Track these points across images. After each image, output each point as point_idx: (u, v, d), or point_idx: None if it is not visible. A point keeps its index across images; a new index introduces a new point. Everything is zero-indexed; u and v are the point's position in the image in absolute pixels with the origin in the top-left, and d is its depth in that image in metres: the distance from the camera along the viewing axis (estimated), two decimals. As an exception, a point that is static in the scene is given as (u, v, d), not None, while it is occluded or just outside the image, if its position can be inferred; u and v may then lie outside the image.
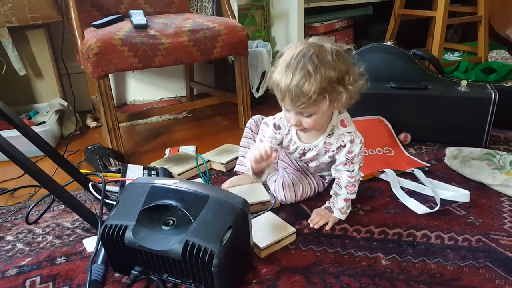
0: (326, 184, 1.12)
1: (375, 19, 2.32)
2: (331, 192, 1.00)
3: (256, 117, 1.19)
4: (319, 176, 1.11)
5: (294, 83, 0.80)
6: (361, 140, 0.94)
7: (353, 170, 0.95)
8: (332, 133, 0.94)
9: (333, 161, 0.99)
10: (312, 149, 0.98)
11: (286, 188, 1.04)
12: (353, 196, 0.98)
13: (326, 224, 0.97)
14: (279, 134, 1.00)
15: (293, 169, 1.11)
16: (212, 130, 1.68)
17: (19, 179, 1.29)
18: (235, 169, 1.21)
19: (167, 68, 1.99)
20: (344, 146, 0.94)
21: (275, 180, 1.07)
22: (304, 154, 1.00)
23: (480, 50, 1.97)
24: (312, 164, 1.04)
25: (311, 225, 0.97)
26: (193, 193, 0.77)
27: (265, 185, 1.11)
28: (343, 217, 0.98)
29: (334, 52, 0.83)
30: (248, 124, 1.20)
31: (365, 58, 1.54)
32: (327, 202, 1.02)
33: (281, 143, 1.02)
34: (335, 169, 0.99)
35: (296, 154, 1.02)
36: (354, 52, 1.15)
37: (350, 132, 0.93)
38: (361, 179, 1.16)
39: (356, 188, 0.97)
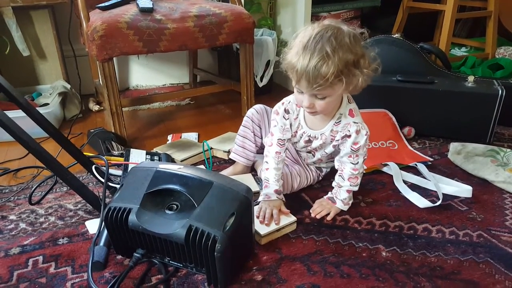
0: (321, 177, 1.12)
1: (383, 11, 2.29)
2: (334, 184, 1.00)
3: (258, 106, 1.14)
4: (316, 167, 1.11)
5: (312, 65, 0.78)
6: (367, 132, 0.93)
7: (357, 163, 0.95)
8: (340, 121, 0.94)
9: (335, 152, 0.99)
10: (318, 138, 0.97)
11: (284, 179, 1.02)
12: (356, 188, 0.98)
13: (327, 214, 0.97)
14: (288, 119, 0.98)
15: (290, 160, 1.10)
16: (214, 118, 1.68)
17: (21, 159, 1.29)
18: (229, 156, 1.20)
19: (171, 54, 1.98)
20: (350, 136, 0.93)
21: None
22: (310, 141, 0.99)
23: (488, 46, 1.95)
24: (316, 156, 1.04)
25: (312, 215, 0.98)
26: (198, 179, 0.77)
27: (254, 176, 1.11)
28: (346, 208, 0.99)
29: (352, 35, 0.82)
30: (249, 114, 1.15)
31: (372, 50, 1.52)
32: (330, 192, 1.02)
33: (289, 139, 1.01)
34: (339, 161, 0.98)
35: (301, 142, 1.00)
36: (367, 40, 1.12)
37: (357, 123, 0.93)
38: (364, 171, 1.16)
39: (359, 181, 0.97)
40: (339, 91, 0.84)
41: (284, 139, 0.99)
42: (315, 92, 0.83)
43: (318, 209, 0.98)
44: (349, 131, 0.93)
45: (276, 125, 0.99)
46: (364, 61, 0.84)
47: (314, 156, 1.05)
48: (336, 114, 0.94)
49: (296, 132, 0.99)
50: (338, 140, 0.95)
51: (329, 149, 0.99)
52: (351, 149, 0.93)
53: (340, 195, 0.98)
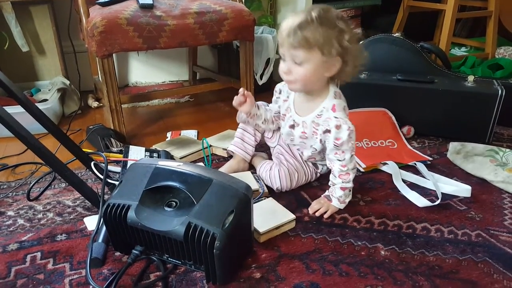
0: (319, 174, 1.12)
1: (383, 10, 2.30)
2: (330, 183, 1.00)
3: (260, 103, 1.16)
4: (312, 164, 1.11)
5: (295, 23, 0.86)
6: (349, 127, 0.92)
7: (344, 159, 0.95)
8: (322, 114, 0.96)
9: (324, 149, 1.00)
10: (300, 124, 1.01)
11: (282, 176, 1.04)
12: (349, 185, 0.97)
13: (326, 212, 0.97)
14: (279, 98, 1.08)
15: (289, 155, 1.11)
16: (214, 116, 1.67)
17: (20, 155, 1.29)
18: (227, 148, 1.20)
19: (170, 51, 1.97)
20: (330, 131, 0.94)
21: (270, 168, 1.07)
22: (293, 127, 1.03)
23: (488, 46, 1.95)
24: (306, 153, 1.05)
25: (310, 212, 0.98)
26: (197, 176, 0.77)
27: (253, 173, 1.11)
28: (342, 206, 0.98)
29: (339, 14, 0.90)
30: None
31: (372, 49, 1.52)
32: (327, 191, 1.02)
33: (277, 116, 1.11)
34: (328, 159, 0.99)
35: (286, 127, 1.05)
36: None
37: (337, 118, 0.93)
38: (363, 170, 1.17)
39: (351, 177, 0.97)
40: (316, 60, 0.87)
41: (277, 113, 1.10)
42: (294, 53, 0.87)
43: (316, 206, 0.98)
44: (328, 125, 0.94)
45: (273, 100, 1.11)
46: (348, 37, 0.88)
47: (303, 154, 1.07)
48: (320, 106, 0.97)
49: (285, 115, 1.06)
50: (320, 134, 0.97)
51: (317, 145, 1.01)
52: (334, 144, 0.94)
53: (335, 193, 0.98)
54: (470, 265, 0.80)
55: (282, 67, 0.93)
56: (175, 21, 1.32)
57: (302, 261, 0.82)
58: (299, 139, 1.04)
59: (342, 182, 0.97)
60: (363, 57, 0.93)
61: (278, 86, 1.10)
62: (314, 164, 1.11)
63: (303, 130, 1.01)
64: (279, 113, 1.10)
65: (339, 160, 0.95)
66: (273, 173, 1.05)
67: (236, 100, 1.05)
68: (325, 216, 0.96)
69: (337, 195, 0.98)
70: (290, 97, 1.04)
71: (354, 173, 0.97)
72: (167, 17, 1.32)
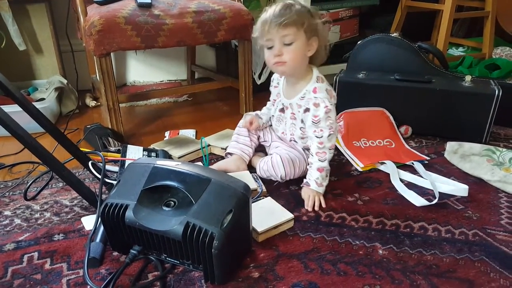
0: None
1: (381, 10, 2.30)
2: (308, 166, 1.04)
3: (260, 112, 1.23)
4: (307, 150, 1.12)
5: (277, 9, 0.95)
6: (326, 106, 0.99)
7: (322, 137, 1.00)
8: (304, 96, 1.03)
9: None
10: (288, 107, 1.09)
11: (285, 161, 1.05)
12: (325, 165, 1.01)
13: (321, 207, 1.00)
14: (273, 87, 1.16)
15: (286, 145, 1.14)
16: (212, 115, 1.67)
17: (17, 155, 1.28)
18: (226, 150, 1.21)
19: (169, 50, 1.97)
20: (309, 110, 1.01)
21: (271, 158, 1.08)
22: (283, 110, 1.11)
23: (485, 46, 1.96)
24: (297, 134, 1.09)
25: (309, 209, 0.99)
26: (195, 176, 0.77)
27: (252, 173, 1.11)
28: (320, 190, 1.01)
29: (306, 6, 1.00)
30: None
31: (370, 48, 1.53)
32: (304, 178, 1.05)
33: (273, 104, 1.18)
34: (308, 137, 1.05)
35: (277, 112, 1.13)
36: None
37: (316, 97, 1.00)
38: (361, 169, 1.17)
39: (327, 156, 1.01)
40: (302, 38, 0.95)
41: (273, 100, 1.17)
42: (284, 32, 0.94)
43: (310, 203, 1.00)
44: (308, 103, 1.01)
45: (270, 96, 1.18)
46: (317, 17, 0.98)
47: (297, 143, 1.11)
48: (303, 89, 1.03)
49: (275, 100, 1.14)
50: (302, 113, 1.04)
51: (300, 124, 1.07)
52: (312, 121, 1.00)
53: (312, 175, 1.01)
54: (467, 264, 0.81)
55: (271, 53, 0.99)
56: (174, 20, 1.32)
57: (301, 261, 0.82)
58: (289, 121, 1.10)
59: (319, 160, 1.01)
60: (328, 39, 1.03)
61: (274, 76, 1.18)
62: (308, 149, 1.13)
63: (292, 111, 1.08)
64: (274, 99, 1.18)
65: (317, 137, 1.01)
66: (275, 160, 1.06)
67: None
68: (316, 207, 0.99)
69: (314, 177, 1.01)
70: (280, 83, 1.13)
71: (331, 153, 1.02)
72: (166, 16, 1.31)
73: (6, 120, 0.82)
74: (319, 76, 1.04)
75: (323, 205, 1.00)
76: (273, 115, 1.17)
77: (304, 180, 1.05)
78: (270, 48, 0.98)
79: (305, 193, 1.03)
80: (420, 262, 0.81)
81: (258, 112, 1.22)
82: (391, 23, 2.16)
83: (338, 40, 2.05)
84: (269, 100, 1.21)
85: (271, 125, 1.21)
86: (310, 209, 0.99)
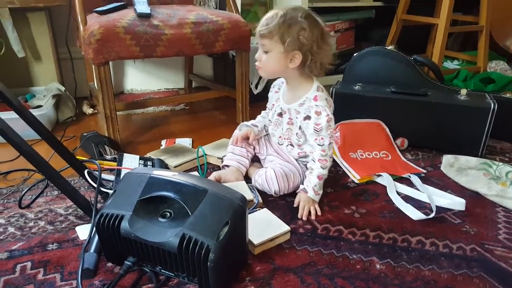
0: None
1: (377, 23, 2.33)
2: (307, 172, 1.05)
3: (256, 121, 1.24)
4: (304, 165, 1.12)
5: (264, 18, 1.00)
6: (328, 115, 1.01)
7: (323, 144, 1.02)
8: (304, 103, 1.05)
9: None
10: (286, 112, 1.10)
11: (279, 176, 1.06)
12: (325, 172, 1.03)
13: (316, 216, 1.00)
14: (273, 92, 1.17)
15: (281, 159, 1.14)
16: (209, 124, 1.67)
17: (12, 162, 1.27)
18: (222, 163, 1.21)
19: (166, 59, 1.98)
20: (310, 118, 1.03)
21: (266, 172, 1.08)
22: (280, 115, 1.13)
23: (479, 59, 1.99)
24: (294, 140, 1.10)
25: (304, 218, 0.99)
26: (192, 186, 0.76)
27: (248, 184, 1.11)
28: (316, 198, 1.02)
29: (308, 14, 0.99)
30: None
31: (366, 61, 1.54)
32: (301, 185, 1.05)
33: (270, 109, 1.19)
34: (309, 145, 1.06)
35: (275, 116, 1.14)
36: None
37: (318, 106, 1.02)
38: (357, 181, 1.17)
39: (328, 164, 1.03)
40: (277, 50, 0.98)
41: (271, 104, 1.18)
42: (261, 41, 0.99)
43: (305, 212, 1.00)
44: (310, 111, 1.03)
45: (269, 99, 1.20)
46: (307, 34, 0.96)
47: (292, 151, 1.12)
48: (303, 97, 1.05)
49: (274, 105, 1.15)
50: (301, 120, 1.06)
51: (296, 130, 1.08)
52: (314, 129, 1.02)
53: (311, 182, 1.02)
54: (465, 280, 0.80)
55: (256, 55, 1.04)
56: (172, 31, 1.33)
57: (297, 275, 0.81)
58: (286, 126, 1.11)
59: (321, 167, 1.02)
60: (329, 56, 1.02)
61: (275, 82, 1.19)
62: (305, 165, 1.12)
63: (290, 117, 1.10)
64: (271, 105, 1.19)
65: (320, 145, 1.02)
66: (269, 175, 1.06)
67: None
68: (313, 216, 0.99)
69: (312, 184, 1.02)
70: (281, 89, 1.15)
71: (331, 161, 1.05)
72: (165, 27, 1.32)
73: (2, 126, 0.81)
74: (319, 86, 1.06)
75: (319, 213, 1.01)
76: (270, 120, 1.18)
77: (301, 186, 1.05)
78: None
79: (300, 199, 1.03)
80: (418, 278, 0.81)
81: (252, 121, 1.23)
82: (386, 36, 2.19)
83: (334, 52, 2.07)
84: (266, 108, 1.22)
85: (266, 135, 1.22)
86: (305, 218, 0.99)
